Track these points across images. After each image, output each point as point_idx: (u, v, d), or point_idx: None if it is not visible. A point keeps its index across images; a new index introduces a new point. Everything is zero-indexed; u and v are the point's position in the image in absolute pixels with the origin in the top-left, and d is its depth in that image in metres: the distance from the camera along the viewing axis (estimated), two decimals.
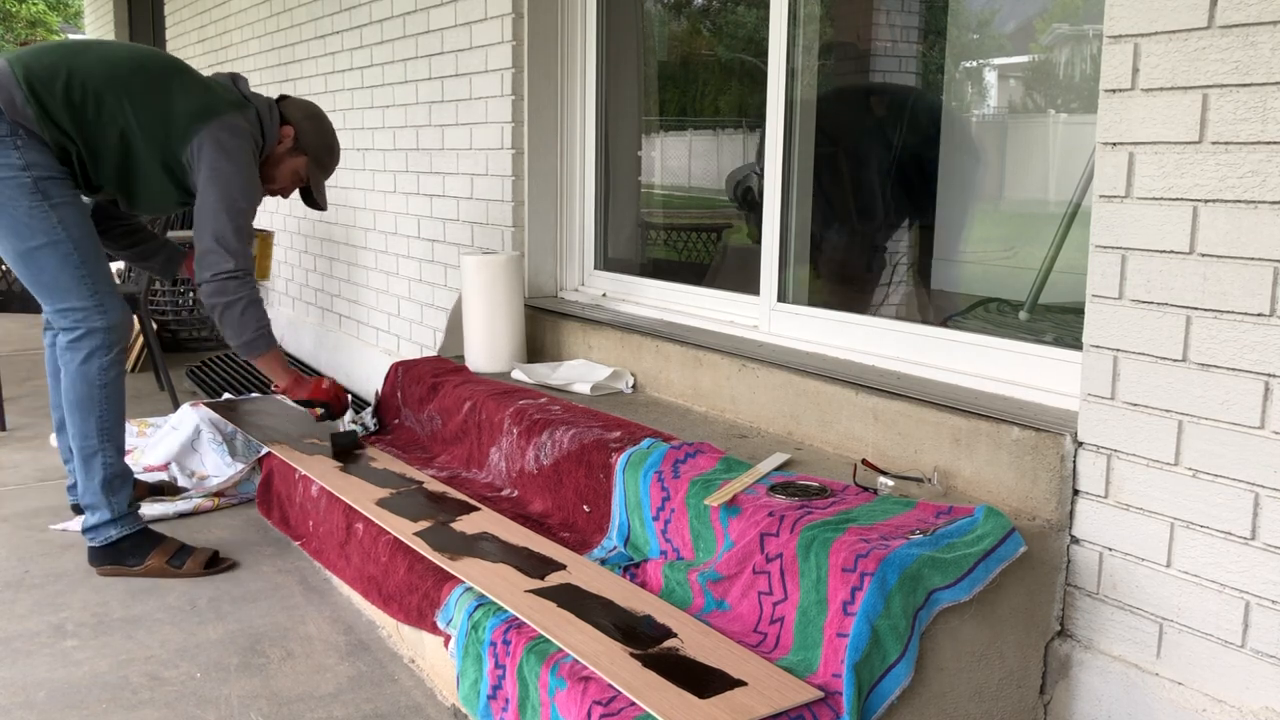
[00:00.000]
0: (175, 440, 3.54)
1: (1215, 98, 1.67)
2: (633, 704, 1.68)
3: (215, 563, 2.88)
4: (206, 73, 2.96)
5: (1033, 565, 1.90)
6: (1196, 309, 1.72)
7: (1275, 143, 1.60)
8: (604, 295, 3.56)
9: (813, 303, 2.84)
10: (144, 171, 2.74)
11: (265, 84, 5.63)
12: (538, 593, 2.10)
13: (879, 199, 2.97)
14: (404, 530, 2.47)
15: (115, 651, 2.42)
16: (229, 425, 3.58)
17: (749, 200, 3.26)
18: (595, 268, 3.65)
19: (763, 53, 2.85)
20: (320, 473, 2.93)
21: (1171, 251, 1.75)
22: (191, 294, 5.84)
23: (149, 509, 3.19)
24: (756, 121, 2.98)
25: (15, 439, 4.18)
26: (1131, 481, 1.84)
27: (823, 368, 2.53)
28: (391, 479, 2.87)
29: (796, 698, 1.68)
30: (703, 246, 3.58)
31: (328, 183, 4.24)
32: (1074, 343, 2.07)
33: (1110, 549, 1.88)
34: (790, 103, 2.81)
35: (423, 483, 2.84)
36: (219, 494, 3.39)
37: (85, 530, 2.81)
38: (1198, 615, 1.76)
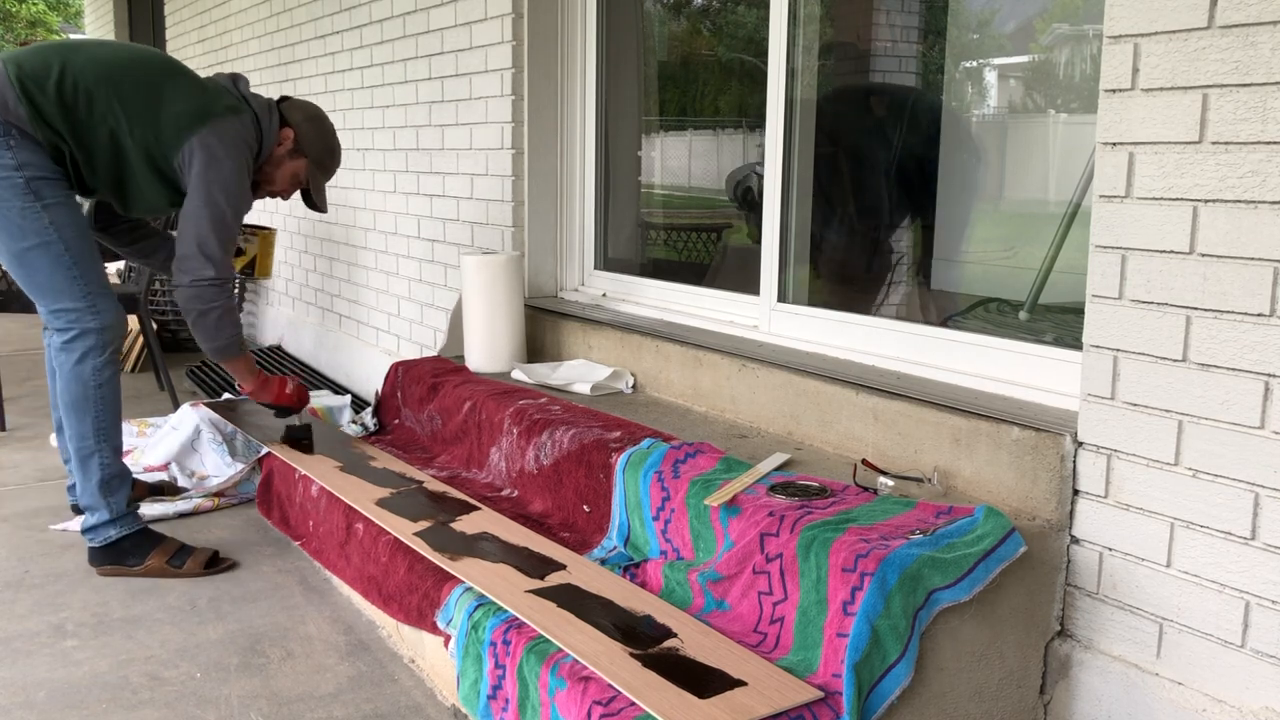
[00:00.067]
0: (175, 440, 3.54)
1: (1215, 98, 1.67)
2: (633, 704, 1.68)
3: (215, 563, 2.88)
4: (207, 73, 2.94)
5: (1033, 565, 1.90)
6: (1196, 309, 1.72)
7: (1275, 143, 1.60)
8: (604, 295, 3.56)
9: (813, 303, 2.84)
10: (135, 173, 2.73)
11: (265, 84, 5.63)
12: (538, 593, 2.10)
13: (879, 199, 2.97)
14: (404, 530, 2.47)
15: (115, 651, 2.42)
16: (229, 425, 3.58)
17: (749, 200, 3.26)
18: (595, 268, 3.65)
19: (763, 53, 2.85)
20: (320, 473, 2.93)
21: (1171, 251, 1.75)
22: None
23: (149, 509, 3.19)
24: (756, 121, 2.98)
25: (15, 439, 4.18)
26: (1131, 481, 1.84)
27: (823, 368, 2.53)
28: (391, 479, 2.87)
29: (796, 698, 1.68)
30: (703, 246, 3.58)
31: (328, 183, 4.24)
32: (1074, 343, 2.07)
33: (1110, 549, 1.88)
34: (790, 103, 2.81)
35: (423, 482, 2.84)
36: (219, 494, 3.39)
37: (84, 531, 2.81)
38: (1198, 615, 1.76)
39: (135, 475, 3.25)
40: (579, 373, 3.15)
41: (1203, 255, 1.71)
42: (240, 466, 3.47)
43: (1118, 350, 1.84)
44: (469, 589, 2.16)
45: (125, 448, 3.48)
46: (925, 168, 2.78)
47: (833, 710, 1.67)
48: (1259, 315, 1.64)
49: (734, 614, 1.99)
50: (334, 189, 4.88)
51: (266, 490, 3.23)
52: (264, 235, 3.28)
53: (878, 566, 1.73)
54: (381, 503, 2.67)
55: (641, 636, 1.90)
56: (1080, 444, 1.91)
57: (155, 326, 4.89)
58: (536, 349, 3.52)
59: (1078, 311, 1.96)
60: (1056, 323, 2.36)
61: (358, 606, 2.66)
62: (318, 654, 2.42)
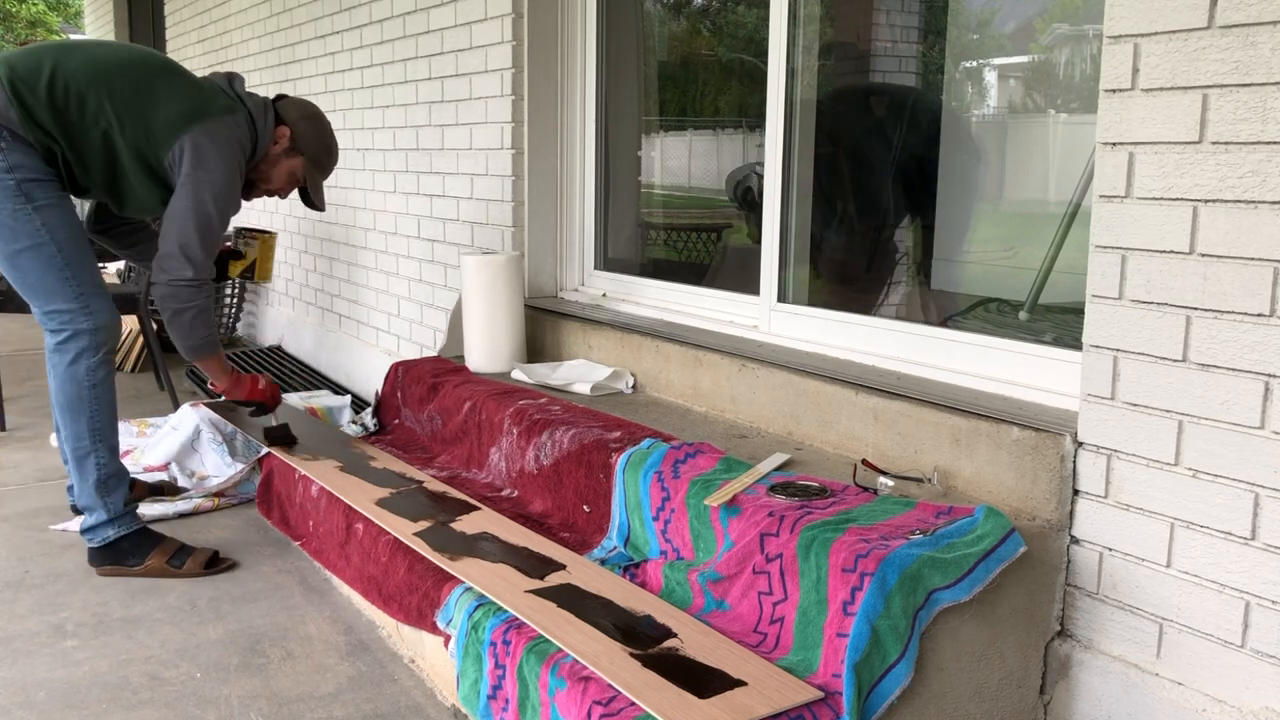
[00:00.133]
0: (175, 440, 3.54)
1: (1215, 98, 1.67)
2: (633, 704, 1.68)
3: (215, 563, 2.88)
4: (206, 73, 2.94)
5: (1033, 565, 1.90)
6: (1196, 309, 1.72)
7: (1275, 143, 1.60)
8: (604, 295, 3.56)
9: (813, 303, 2.84)
10: (128, 173, 2.71)
11: (265, 84, 5.63)
12: (538, 593, 2.10)
13: (879, 199, 2.97)
14: (404, 530, 2.47)
15: (115, 651, 2.42)
16: (229, 425, 3.58)
17: (749, 200, 3.26)
18: (595, 268, 3.65)
19: (763, 53, 2.85)
20: (320, 473, 2.93)
21: (1171, 251, 1.75)
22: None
23: (149, 509, 3.19)
24: (756, 121, 2.98)
25: (15, 439, 4.18)
26: (1131, 481, 1.84)
27: (823, 368, 2.53)
28: (391, 479, 2.87)
29: (796, 698, 1.68)
30: (703, 246, 3.58)
31: (327, 183, 4.24)
32: (1074, 343, 2.07)
33: (1110, 549, 1.88)
34: (790, 103, 2.81)
35: (423, 482, 2.84)
36: (219, 494, 3.39)
37: (83, 531, 2.81)
38: (1198, 615, 1.76)
39: (135, 475, 3.25)
40: (579, 373, 3.15)
41: (1203, 255, 1.71)
42: (240, 466, 3.47)
43: (1118, 350, 1.84)
44: (469, 589, 2.16)
45: (125, 448, 3.48)
46: (925, 168, 2.78)
47: (833, 710, 1.67)
48: (1259, 315, 1.64)
49: (734, 614, 1.99)
50: (334, 189, 4.88)
51: (266, 490, 3.23)
52: (264, 239, 3.27)
53: (878, 566, 1.73)
54: (381, 503, 2.67)
55: (641, 636, 1.90)
56: (1080, 444, 1.91)
57: (155, 326, 4.89)
58: (536, 349, 3.52)
59: (1078, 311, 1.96)
60: (1056, 323, 2.36)
61: (358, 606, 2.66)
62: (318, 654, 2.42)
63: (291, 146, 2.91)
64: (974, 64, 2.69)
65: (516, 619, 2.00)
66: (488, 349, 3.31)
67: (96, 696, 2.22)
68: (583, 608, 2.02)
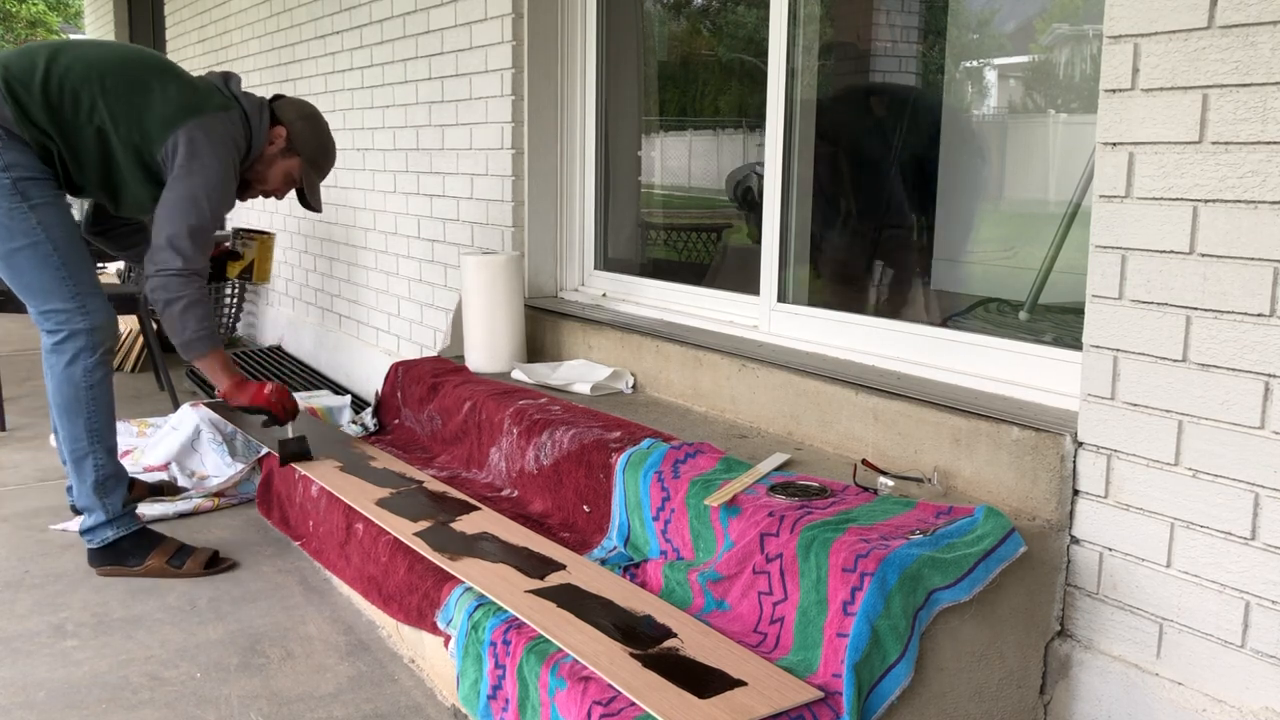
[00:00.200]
0: (175, 440, 3.54)
1: (1215, 98, 1.67)
2: (633, 704, 1.68)
3: (215, 563, 2.88)
4: (205, 73, 2.94)
5: (1033, 565, 1.90)
6: (1196, 309, 1.72)
7: (1275, 143, 1.60)
8: (604, 295, 3.56)
9: (813, 303, 2.84)
10: (123, 171, 2.71)
11: (265, 84, 5.63)
12: (538, 593, 2.10)
13: (879, 199, 2.97)
14: (404, 530, 2.47)
15: (115, 651, 2.42)
16: (229, 425, 3.58)
17: (749, 200, 3.26)
18: (595, 268, 3.65)
19: (763, 53, 2.85)
20: (320, 473, 2.93)
21: (1171, 251, 1.75)
22: None
23: (149, 509, 3.19)
24: (756, 121, 2.98)
25: (15, 439, 4.18)
26: (1131, 481, 1.84)
27: (823, 368, 2.53)
28: (391, 479, 2.87)
29: (796, 698, 1.68)
30: (703, 246, 3.58)
31: (327, 182, 4.24)
32: (1074, 343, 2.07)
33: (1110, 549, 1.88)
34: (790, 103, 2.81)
35: (423, 482, 2.84)
36: (219, 494, 3.39)
37: (82, 532, 2.81)
38: (1198, 615, 1.76)
39: (135, 475, 3.25)
40: (579, 373, 3.15)
41: (1203, 255, 1.71)
42: (240, 466, 3.47)
43: (1118, 350, 1.84)
44: (469, 589, 2.16)
45: (125, 448, 3.48)
46: (925, 168, 2.78)
47: (833, 710, 1.67)
48: (1259, 315, 1.64)
49: (734, 614, 1.99)
50: (333, 189, 4.88)
51: (266, 490, 3.23)
52: (262, 240, 3.26)
53: (878, 566, 1.73)
54: (381, 503, 2.67)
55: (641, 636, 1.90)
56: (1080, 444, 1.91)
57: (155, 326, 4.89)
58: (536, 349, 3.52)
59: (1078, 311, 1.96)
60: (1056, 323, 2.36)
61: (358, 606, 2.66)
62: (318, 654, 2.42)
63: (288, 147, 2.89)
64: (974, 64, 2.69)
65: (516, 619, 2.00)
66: (488, 349, 3.31)
67: (96, 696, 2.22)
68: (583, 608, 2.02)
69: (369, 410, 3.62)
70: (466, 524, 2.50)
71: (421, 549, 2.36)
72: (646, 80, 3.65)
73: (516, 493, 2.76)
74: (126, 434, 3.70)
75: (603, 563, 2.29)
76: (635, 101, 3.63)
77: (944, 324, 2.53)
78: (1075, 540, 1.93)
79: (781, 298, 2.88)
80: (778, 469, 2.27)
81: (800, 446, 2.47)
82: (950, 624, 1.79)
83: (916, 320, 2.63)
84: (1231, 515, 1.70)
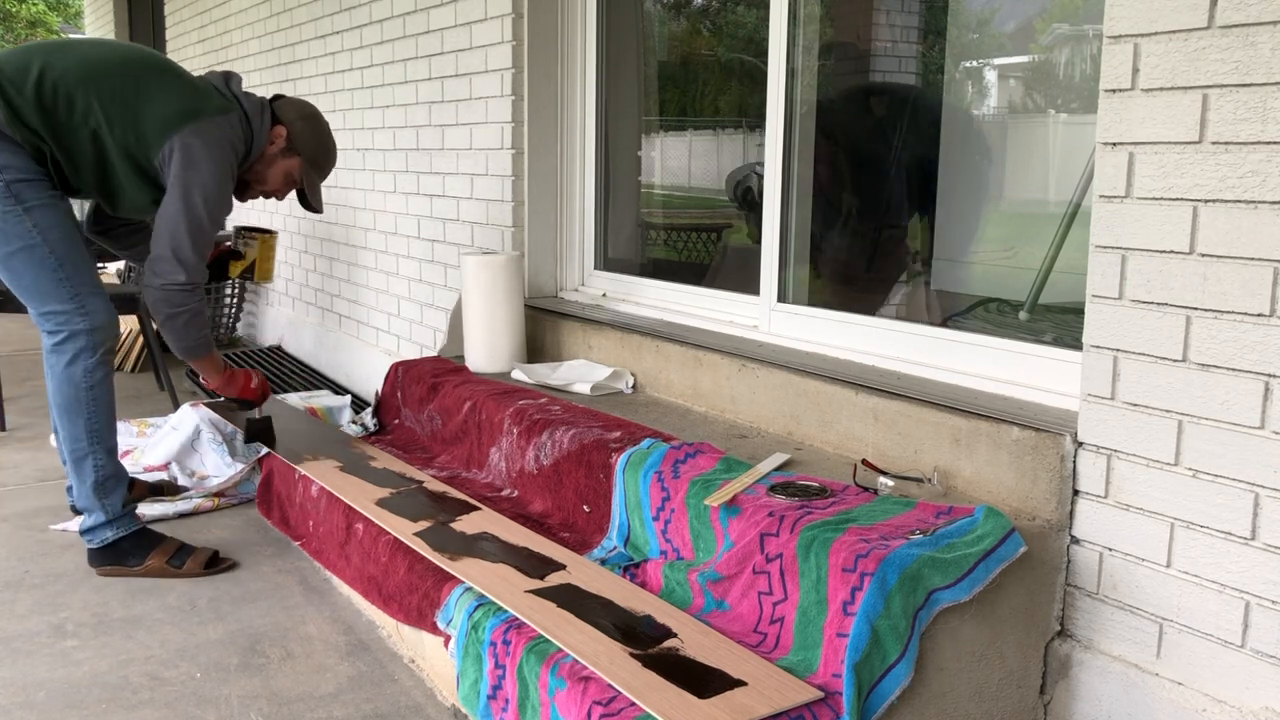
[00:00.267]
0: (175, 440, 3.54)
1: (1215, 98, 1.67)
2: (633, 704, 1.68)
3: (215, 563, 2.88)
4: (205, 73, 2.93)
5: (1033, 565, 1.90)
6: (1196, 309, 1.72)
7: (1275, 143, 1.60)
8: (604, 295, 3.56)
9: (813, 303, 2.84)
10: (118, 173, 2.70)
11: (265, 84, 5.63)
12: (538, 593, 2.10)
13: (879, 199, 2.97)
14: (404, 530, 2.47)
15: (115, 651, 2.42)
16: (229, 425, 3.58)
17: (749, 200, 3.26)
18: (595, 268, 3.65)
19: (763, 53, 2.85)
20: (320, 473, 2.93)
21: (1171, 251, 1.75)
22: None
23: (149, 509, 3.19)
24: (756, 121, 2.98)
25: (15, 439, 4.18)
26: (1131, 481, 1.84)
27: (823, 368, 2.53)
28: (391, 479, 2.87)
29: (796, 698, 1.68)
30: (703, 246, 3.58)
31: (326, 182, 4.23)
32: (1074, 343, 2.07)
33: (1110, 549, 1.88)
34: (790, 103, 2.81)
35: (423, 482, 2.84)
36: (219, 494, 3.39)
37: (82, 532, 2.81)
38: (1198, 615, 1.76)
39: (135, 475, 3.25)
40: (579, 373, 3.15)
41: (1203, 255, 1.71)
42: (240, 466, 3.47)
43: (1118, 350, 1.84)
44: (469, 589, 2.16)
45: (125, 448, 3.48)
46: (925, 168, 2.78)
47: (833, 710, 1.67)
48: (1259, 315, 1.64)
49: (734, 614, 1.99)
50: (334, 189, 4.88)
51: (266, 490, 3.23)
52: (264, 239, 3.25)
53: (878, 566, 1.73)
54: (381, 503, 2.67)
55: (641, 636, 1.90)
56: (1080, 444, 1.91)
57: (155, 327, 4.89)
58: (536, 349, 3.52)
59: (1078, 311, 1.96)
60: (1056, 323, 2.36)
61: (358, 606, 2.66)
62: (318, 654, 2.42)
63: (288, 147, 2.89)
64: (974, 64, 2.69)
65: (516, 619, 2.00)
66: (488, 349, 3.31)
67: (96, 696, 2.22)
68: (583, 608, 2.02)
69: (369, 410, 3.62)
70: (466, 524, 2.50)
71: (421, 549, 2.36)
72: (646, 80, 3.65)
73: (516, 493, 2.76)
74: (126, 434, 3.70)
75: (603, 563, 2.29)
76: (635, 101, 3.63)
77: (944, 324, 2.53)
78: (1075, 540, 1.93)
79: (781, 298, 2.88)
80: (778, 469, 2.27)
81: (800, 446, 2.47)
82: (950, 624, 1.79)
83: (916, 320, 2.63)
84: (1231, 515, 1.70)
